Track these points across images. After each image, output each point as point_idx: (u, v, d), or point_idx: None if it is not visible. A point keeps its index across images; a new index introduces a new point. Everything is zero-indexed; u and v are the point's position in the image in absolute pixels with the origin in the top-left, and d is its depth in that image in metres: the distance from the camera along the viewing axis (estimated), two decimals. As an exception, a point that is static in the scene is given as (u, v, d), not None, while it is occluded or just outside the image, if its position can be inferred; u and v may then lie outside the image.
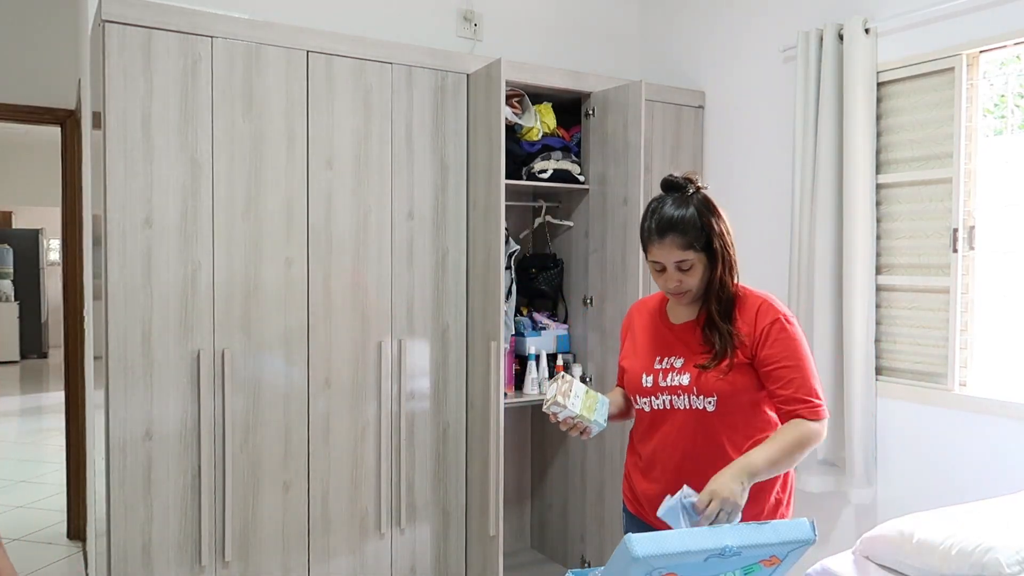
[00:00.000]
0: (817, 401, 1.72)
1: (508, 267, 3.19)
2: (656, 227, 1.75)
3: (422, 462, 3.01)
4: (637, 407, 1.88)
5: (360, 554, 2.88)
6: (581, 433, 1.81)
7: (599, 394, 1.85)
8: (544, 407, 1.77)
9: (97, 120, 2.55)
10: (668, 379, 1.80)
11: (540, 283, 3.41)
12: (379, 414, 2.89)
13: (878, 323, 2.94)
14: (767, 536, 1.42)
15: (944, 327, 2.77)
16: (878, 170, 2.93)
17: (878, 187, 2.93)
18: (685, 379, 1.77)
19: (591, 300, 3.33)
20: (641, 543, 1.29)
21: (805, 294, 2.99)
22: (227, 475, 2.59)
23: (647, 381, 1.83)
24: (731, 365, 1.74)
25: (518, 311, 3.41)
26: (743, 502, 1.57)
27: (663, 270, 1.77)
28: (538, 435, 3.67)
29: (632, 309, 2.03)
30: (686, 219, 1.73)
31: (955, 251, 2.73)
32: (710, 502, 1.55)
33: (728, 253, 1.78)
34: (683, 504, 1.55)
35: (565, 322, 3.45)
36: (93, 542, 2.91)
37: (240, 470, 2.63)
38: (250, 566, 2.66)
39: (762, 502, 1.81)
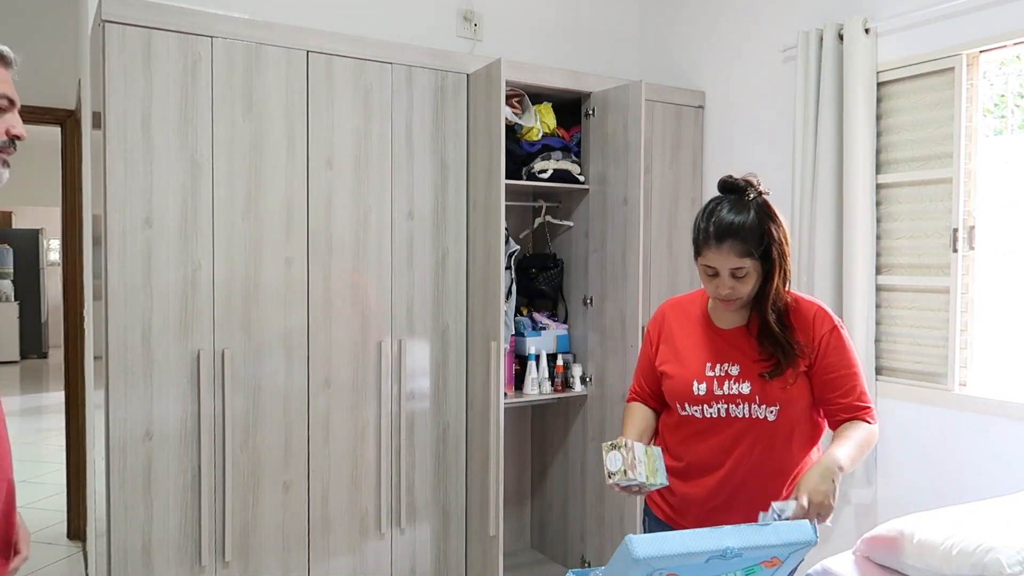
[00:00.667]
0: (872, 406, 1.75)
1: (508, 267, 3.19)
2: (714, 231, 1.67)
3: (422, 462, 3.01)
4: (684, 413, 1.79)
5: (360, 554, 2.88)
6: (637, 493, 1.72)
7: (655, 449, 1.73)
8: (610, 481, 1.65)
9: (97, 120, 2.55)
10: (725, 387, 1.74)
11: (540, 283, 3.41)
12: (379, 414, 2.89)
13: (878, 323, 2.94)
14: (768, 537, 1.41)
15: (944, 327, 2.77)
16: (878, 170, 2.93)
17: (878, 187, 2.93)
18: (746, 388, 1.73)
19: (591, 300, 3.33)
20: (642, 544, 1.28)
21: (805, 294, 2.98)
22: (227, 475, 2.59)
23: (699, 389, 1.75)
24: (796, 375, 1.72)
25: (518, 311, 3.41)
26: (835, 503, 1.56)
27: (715, 275, 1.70)
28: (538, 435, 3.67)
29: (664, 310, 1.92)
30: (746, 226, 1.66)
31: (955, 251, 2.73)
32: (807, 510, 1.52)
33: (785, 262, 1.72)
34: (778, 519, 1.50)
35: (565, 322, 3.45)
36: (93, 542, 2.91)
37: (240, 470, 2.63)
38: (250, 566, 2.66)
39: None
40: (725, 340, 1.79)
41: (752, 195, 1.71)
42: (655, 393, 1.90)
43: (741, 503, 1.76)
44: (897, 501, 2.83)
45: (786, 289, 1.76)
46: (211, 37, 2.55)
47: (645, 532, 1.98)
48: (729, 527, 1.45)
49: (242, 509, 2.64)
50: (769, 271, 1.70)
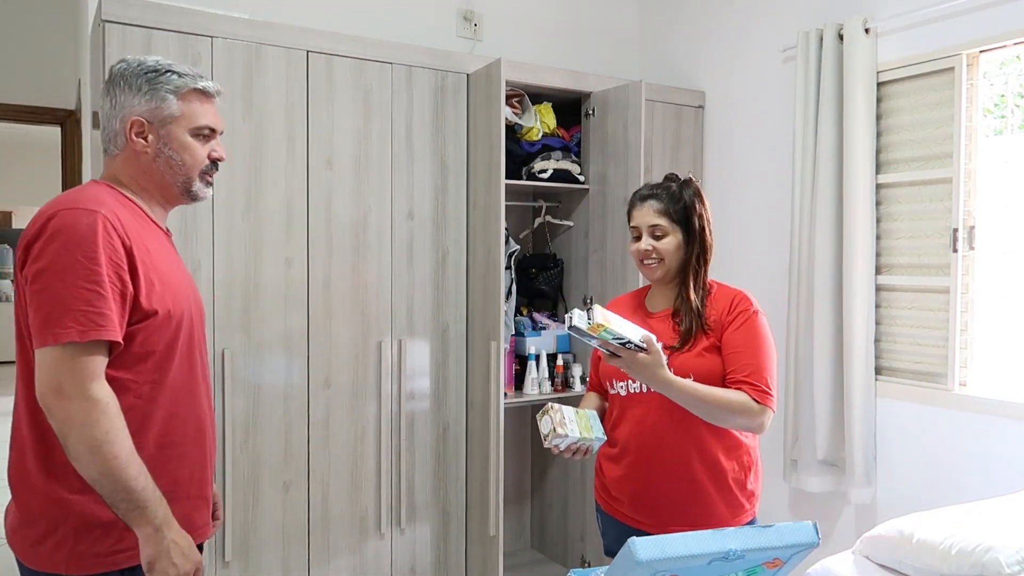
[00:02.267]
0: (765, 388, 1.77)
1: (508, 267, 3.19)
2: (638, 194, 1.92)
3: (422, 462, 3.01)
4: (612, 392, 1.93)
5: (360, 554, 2.88)
6: (584, 454, 1.80)
7: (586, 410, 1.84)
8: (546, 444, 1.74)
9: (97, 120, 2.54)
10: None
11: (540, 283, 3.41)
12: (379, 414, 2.89)
13: (878, 323, 2.94)
14: (771, 539, 1.42)
15: (944, 327, 2.77)
16: (878, 170, 2.93)
17: (878, 187, 2.93)
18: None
19: (591, 300, 3.33)
20: (645, 546, 1.29)
21: (805, 294, 2.98)
22: (227, 475, 2.59)
23: None
24: (707, 347, 1.82)
25: (518, 311, 3.41)
26: (638, 375, 1.70)
27: (639, 238, 1.89)
28: (538, 435, 3.67)
29: (609, 305, 2.02)
30: (669, 190, 1.89)
31: (955, 251, 2.73)
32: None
33: (705, 237, 1.88)
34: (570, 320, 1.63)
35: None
36: (93, 542, 2.90)
37: (240, 470, 2.63)
38: (250, 566, 2.66)
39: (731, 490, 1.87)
40: (653, 319, 1.92)
41: (681, 177, 1.92)
42: (602, 381, 2.02)
43: (663, 477, 1.84)
44: (897, 501, 2.83)
45: (706, 266, 1.89)
46: (211, 37, 2.55)
47: (600, 529, 2.05)
48: (731, 529, 1.46)
49: (242, 509, 2.64)
50: (689, 243, 1.86)
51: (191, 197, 1.57)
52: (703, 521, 1.79)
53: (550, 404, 1.76)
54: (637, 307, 1.98)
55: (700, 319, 1.84)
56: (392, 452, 2.93)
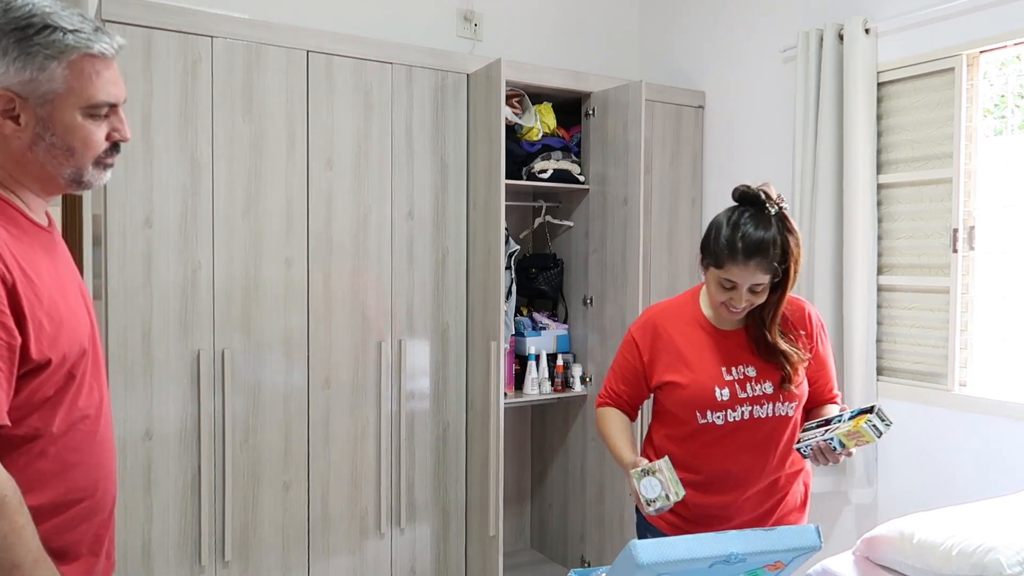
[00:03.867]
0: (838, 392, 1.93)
1: (508, 267, 3.19)
2: (742, 248, 1.65)
3: (422, 462, 3.01)
4: (704, 422, 1.75)
5: (360, 554, 2.88)
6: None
7: (666, 460, 1.68)
8: (649, 510, 1.61)
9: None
10: (748, 389, 1.75)
11: (540, 283, 3.41)
12: (379, 414, 2.89)
13: (878, 323, 2.94)
14: (772, 543, 1.41)
15: (944, 327, 2.77)
16: (878, 170, 2.93)
17: (878, 187, 2.93)
18: (769, 387, 1.76)
19: (591, 300, 3.33)
20: (646, 549, 1.28)
21: (805, 294, 2.98)
22: (227, 475, 2.59)
23: (722, 394, 1.74)
24: (806, 361, 1.80)
25: (518, 311, 3.41)
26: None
27: (732, 288, 1.69)
28: (538, 435, 3.67)
29: (652, 318, 1.87)
30: (774, 243, 1.66)
31: (955, 251, 2.73)
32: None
33: (796, 274, 1.73)
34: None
35: (565, 322, 3.45)
36: (93, 542, 2.90)
37: (240, 470, 2.63)
38: (250, 566, 2.66)
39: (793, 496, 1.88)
40: (733, 342, 1.79)
41: (773, 209, 1.70)
42: (634, 401, 1.90)
43: (763, 501, 1.81)
44: (897, 501, 2.83)
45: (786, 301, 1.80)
46: (211, 37, 2.55)
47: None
48: (734, 531, 1.45)
49: (242, 509, 2.64)
50: (781, 282, 1.72)
51: (82, 187, 1.21)
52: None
53: (653, 463, 1.63)
54: (706, 328, 1.81)
55: (798, 350, 1.77)
56: (392, 452, 2.93)
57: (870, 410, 1.64)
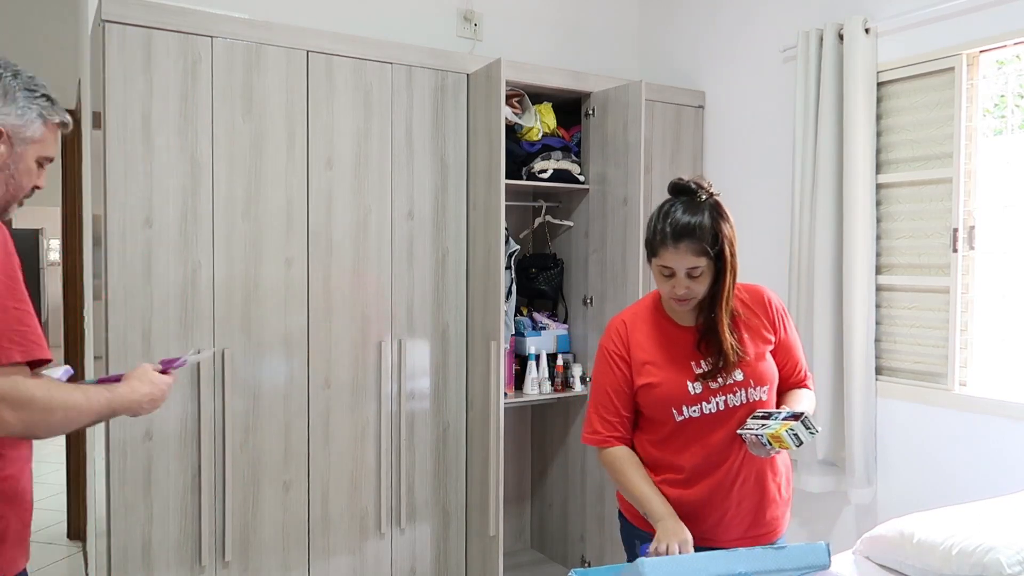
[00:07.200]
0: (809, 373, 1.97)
1: (508, 267, 3.19)
2: (671, 232, 1.69)
3: (422, 462, 3.01)
4: (680, 419, 1.77)
5: (360, 554, 2.88)
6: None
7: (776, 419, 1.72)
8: (776, 448, 1.64)
9: (97, 120, 2.55)
10: (720, 379, 1.76)
11: (540, 283, 3.41)
12: (379, 414, 2.89)
13: (878, 323, 2.94)
14: (780, 561, 1.41)
15: (944, 327, 2.77)
16: (878, 170, 2.93)
17: (878, 187, 2.93)
18: (739, 375, 1.77)
19: (591, 300, 3.33)
20: (654, 568, 1.27)
21: (805, 294, 2.98)
22: (227, 475, 2.59)
23: (695, 388, 1.76)
24: (761, 352, 1.81)
25: (518, 311, 3.41)
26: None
27: (671, 275, 1.72)
28: (538, 435, 3.67)
29: (617, 325, 1.87)
30: (702, 226, 1.69)
31: (955, 251, 2.73)
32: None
33: (735, 260, 1.75)
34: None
35: (565, 322, 3.45)
36: (93, 542, 2.91)
37: (240, 470, 2.63)
38: (250, 566, 2.66)
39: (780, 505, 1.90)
40: (695, 335, 1.82)
41: (704, 196, 1.74)
42: (630, 423, 1.86)
43: (745, 489, 1.81)
44: (897, 501, 2.83)
45: (733, 289, 1.80)
46: (211, 37, 2.55)
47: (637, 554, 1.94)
48: (743, 549, 1.45)
49: (242, 509, 2.64)
50: (720, 270, 1.74)
51: (4, 215, 1.53)
52: (775, 528, 1.85)
53: (762, 412, 1.75)
54: (668, 325, 1.83)
55: (735, 351, 1.76)
56: (392, 452, 2.93)
57: (797, 416, 1.65)
